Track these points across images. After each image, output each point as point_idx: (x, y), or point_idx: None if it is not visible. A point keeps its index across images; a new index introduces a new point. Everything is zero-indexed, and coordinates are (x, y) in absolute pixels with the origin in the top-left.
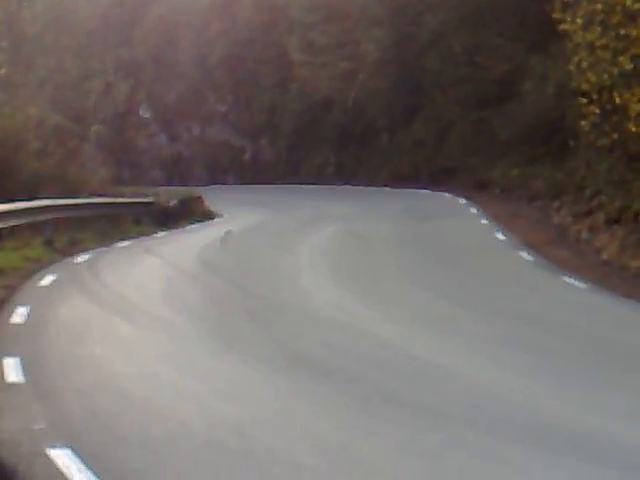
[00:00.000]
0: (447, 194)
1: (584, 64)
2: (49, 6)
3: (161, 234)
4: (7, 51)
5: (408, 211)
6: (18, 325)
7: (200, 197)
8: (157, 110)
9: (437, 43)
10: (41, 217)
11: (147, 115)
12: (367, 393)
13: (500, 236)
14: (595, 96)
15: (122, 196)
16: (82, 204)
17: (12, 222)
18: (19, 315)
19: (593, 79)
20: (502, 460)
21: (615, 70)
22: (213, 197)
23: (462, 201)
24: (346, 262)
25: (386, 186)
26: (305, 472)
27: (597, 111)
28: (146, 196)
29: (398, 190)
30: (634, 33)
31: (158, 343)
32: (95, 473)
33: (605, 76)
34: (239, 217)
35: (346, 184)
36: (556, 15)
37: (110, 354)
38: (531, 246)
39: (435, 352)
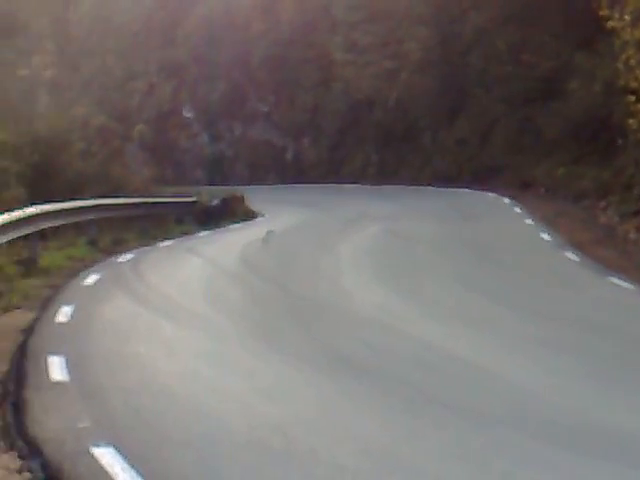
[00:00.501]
0: (491, 193)
1: (632, 61)
2: (94, 9)
3: (203, 233)
4: (53, 53)
5: (451, 210)
6: (63, 324)
7: (242, 197)
8: (199, 110)
9: (481, 41)
10: (85, 217)
11: (190, 115)
12: (410, 394)
13: (545, 236)
14: None
15: (164, 196)
16: (125, 204)
17: (57, 222)
18: (64, 314)
19: None
20: (548, 464)
21: None
22: (255, 196)
23: (506, 200)
24: (388, 262)
25: (429, 185)
26: (347, 473)
27: None
28: (188, 196)
29: (441, 189)
30: None
31: (200, 342)
32: (138, 472)
33: None
34: (281, 216)
35: (388, 184)
36: (603, 12)
37: (153, 353)
38: (577, 246)
39: (478, 353)
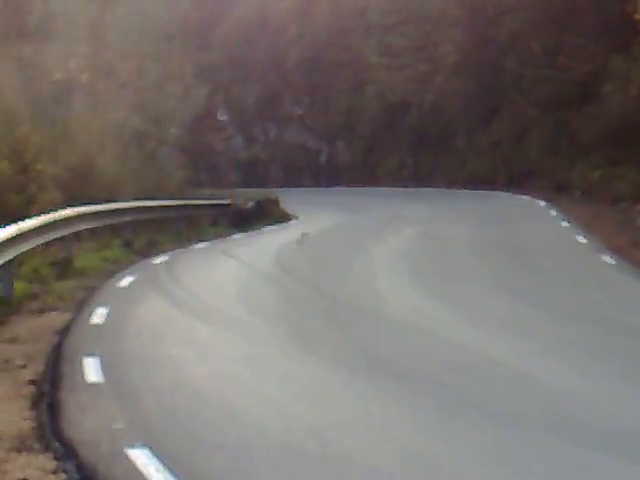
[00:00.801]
0: (526, 196)
1: None
2: (129, 12)
3: (238, 236)
4: (89, 57)
5: (486, 213)
6: (98, 326)
7: (276, 199)
8: (234, 113)
9: (517, 44)
10: (120, 219)
11: (224, 118)
12: (446, 397)
13: (581, 239)
14: None
15: (199, 198)
16: (160, 206)
17: (92, 224)
18: (99, 316)
19: None
20: (585, 468)
21: None
22: (289, 199)
23: (542, 203)
24: (423, 264)
25: (464, 188)
26: (383, 477)
27: None
28: (223, 198)
29: (476, 192)
30: None
31: (235, 344)
32: (173, 473)
33: None
34: (315, 219)
35: (423, 186)
36: (638, 16)
37: (188, 355)
38: (613, 249)
39: (515, 356)
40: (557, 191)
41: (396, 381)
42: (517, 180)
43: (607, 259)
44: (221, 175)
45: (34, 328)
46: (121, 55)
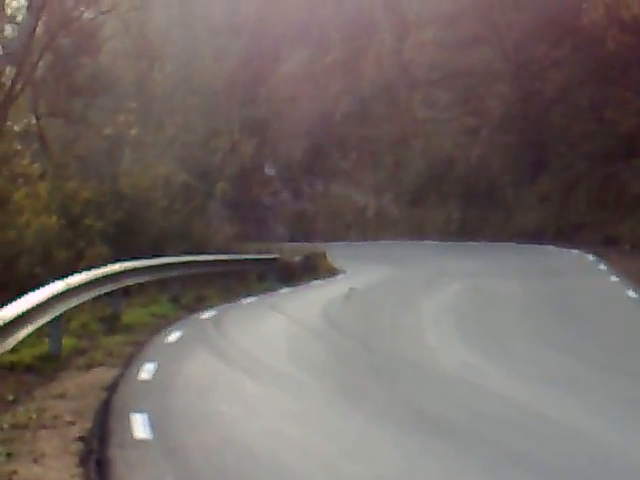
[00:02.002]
0: (574, 250)
1: None
2: (177, 68)
3: (285, 290)
4: (138, 112)
5: (534, 267)
6: (146, 381)
7: (323, 253)
8: (281, 167)
9: (563, 98)
10: (168, 274)
11: (272, 172)
12: (496, 455)
13: (632, 294)
14: None
15: (246, 253)
16: (207, 261)
17: (140, 279)
18: (147, 371)
19: None
20: None
21: None
22: (336, 253)
23: (590, 257)
24: (472, 319)
25: (511, 242)
26: None
27: None
28: (271, 252)
29: (524, 246)
30: None
31: (283, 400)
32: None
33: None
34: (362, 273)
35: (470, 240)
36: None
37: (236, 411)
38: None
39: (566, 413)
40: (606, 245)
41: (444, 437)
42: (565, 234)
43: None
44: (268, 229)
45: (82, 384)
46: (168, 110)
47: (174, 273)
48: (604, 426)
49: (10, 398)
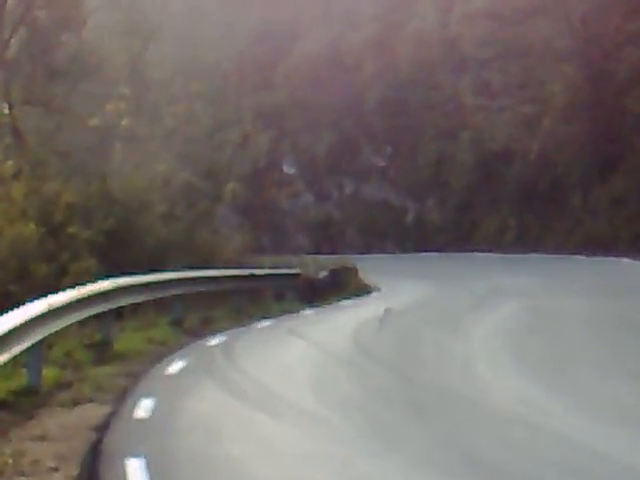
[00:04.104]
0: None
1: None
2: (178, 47)
3: (308, 312)
4: (130, 99)
5: (605, 284)
6: (143, 420)
7: (354, 268)
8: (303, 164)
9: None
10: (168, 292)
11: (291, 170)
12: None
13: None
14: None
15: (262, 267)
16: (215, 277)
17: (135, 298)
18: (143, 409)
19: None
20: None
21: None
22: (369, 267)
23: None
24: (530, 345)
25: (578, 254)
26: None
27: None
28: (290, 267)
29: (593, 259)
30: None
31: (306, 442)
32: None
33: None
34: (400, 292)
35: (529, 252)
36: None
37: (250, 455)
38: None
39: (636, 456)
40: None
41: None
42: None
43: None
44: (287, 238)
45: (67, 423)
46: (167, 97)
47: (175, 291)
48: None
49: None
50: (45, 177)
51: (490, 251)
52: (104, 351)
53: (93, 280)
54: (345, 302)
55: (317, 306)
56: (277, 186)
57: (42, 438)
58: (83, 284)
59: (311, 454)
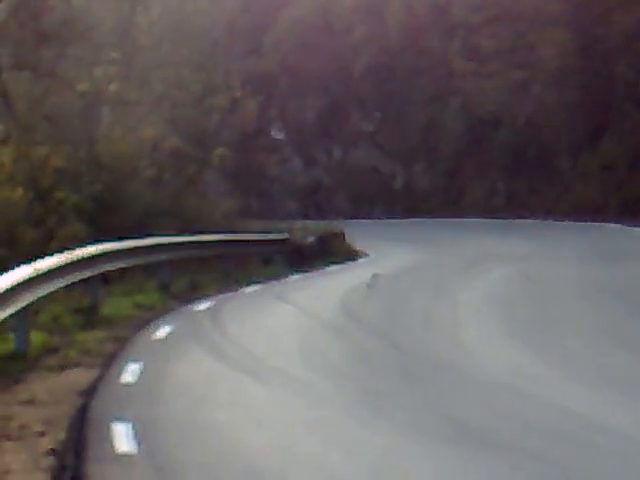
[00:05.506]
0: None
1: None
2: (167, 12)
3: (295, 277)
4: (119, 64)
5: (595, 249)
6: (129, 385)
7: (342, 233)
8: (291, 130)
9: (631, 46)
10: (156, 257)
11: (280, 136)
12: (548, 473)
13: None
14: None
15: (250, 232)
16: (203, 242)
17: (122, 263)
18: (130, 373)
19: None
20: None
21: None
22: (357, 233)
23: None
24: (519, 312)
25: (567, 219)
26: None
27: None
28: (278, 232)
29: (582, 224)
30: None
31: (293, 408)
32: None
33: None
34: (388, 257)
35: (518, 218)
36: None
37: (237, 421)
38: None
39: (635, 425)
40: None
41: (486, 451)
42: (631, 209)
43: None
44: (276, 204)
45: (54, 388)
46: (156, 62)
47: (163, 256)
48: None
49: None
50: (34, 142)
51: (479, 217)
52: (91, 316)
53: (81, 245)
54: (333, 267)
55: (305, 271)
56: (265, 151)
57: (29, 403)
58: (71, 249)
59: (298, 420)
